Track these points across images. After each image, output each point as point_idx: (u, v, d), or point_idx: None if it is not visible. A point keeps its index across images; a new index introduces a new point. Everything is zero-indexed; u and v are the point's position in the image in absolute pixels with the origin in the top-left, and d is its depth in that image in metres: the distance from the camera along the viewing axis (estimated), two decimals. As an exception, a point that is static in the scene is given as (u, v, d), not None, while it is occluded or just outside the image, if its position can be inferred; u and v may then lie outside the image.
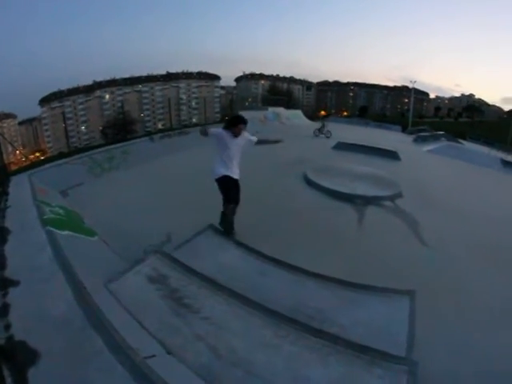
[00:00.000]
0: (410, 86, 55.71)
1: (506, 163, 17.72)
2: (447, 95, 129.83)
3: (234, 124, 4.97)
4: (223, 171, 4.97)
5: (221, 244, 4.80)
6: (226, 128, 4.97)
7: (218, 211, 5.29)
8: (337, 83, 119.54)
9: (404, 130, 28.91)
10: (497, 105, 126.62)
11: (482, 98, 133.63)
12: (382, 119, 48.28)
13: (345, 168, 9.88)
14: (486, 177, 13.69)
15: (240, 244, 4.75)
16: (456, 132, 36.00)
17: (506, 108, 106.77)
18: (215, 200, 5.25)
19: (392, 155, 12.87)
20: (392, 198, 7.84)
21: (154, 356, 2.38)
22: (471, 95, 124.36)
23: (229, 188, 5.04)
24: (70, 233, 4.44)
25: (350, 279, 4.00)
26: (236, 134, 4.96)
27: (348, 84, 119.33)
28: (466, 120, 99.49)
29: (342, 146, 13.63)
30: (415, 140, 19.32)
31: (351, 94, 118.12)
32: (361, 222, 6.58)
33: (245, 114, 19.62)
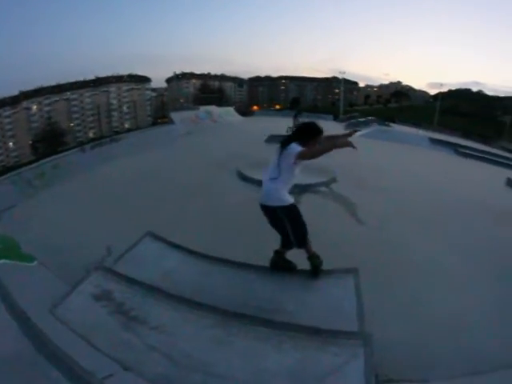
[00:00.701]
0: (340, 76, 57.76)
1: (433, 140, 19.19)
2: (376, 83, 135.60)
3: (315, 135, 3.71)
4: (290, 198, 3.65)
5: (161, 250, 4.63)
6: (300, 141, 3.60)
7: (157, 216, 5.18)
8: (268, 78, 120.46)
9: (336, 118, 29.87)
10: (423, 89, 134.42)
11: (410, 84, 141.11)
12: (314, 110, 49.68)
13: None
14: (416, 154, 14.90)
15: (180, 248, 4.62)
16: (386, 117, 37.99)
17: (432, 92, 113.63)
18: (152, 205, 5.14)
19: None
20: (327, 184, 8.15)
21: (111, 375, 2.31)
22: (399, 82, 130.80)
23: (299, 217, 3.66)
24: (7, 261, 4.23)
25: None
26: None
27: (279, 78, 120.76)
28: (394, 105, 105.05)
29: (274, 139, 13.66)
30: (347, 126, 20.00)
31: (283, 88, 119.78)
32: None
33: (176, 114, 19.56)
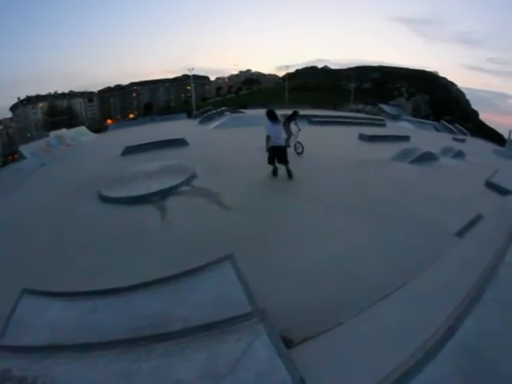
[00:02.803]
0: (190, 73, 57.84)
1: (283, 116, 20.60)
2: (226, 75, 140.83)
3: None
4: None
5: (42, 305, 4.06)
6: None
7: (27, 268, 5.02)
8: (119, 87, 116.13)
9: (190, 115, 29.91)
10: (273, 73, 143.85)
11: (259, 70, 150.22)
12: (168, 111, 49.31)
13: (137, 171, 9.52)
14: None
15: (60, 294, 4.15)
16: (238, 104, 39.60)
17: (281, 74, 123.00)
18: (18, 256, 4.40)
19: (180, 143, 13.25)
20: (188, 182, 8.03)
21: None
22: (248, 70, 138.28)
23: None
24: None
25: (177, 271, 3.94)
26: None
27: (130, 85, 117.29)
28: (246, 92, 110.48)
29: (130, 150, 13.12)
30: (201, 121, 20.22)
31: (134, 95, 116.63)
32: (164, 216, 6.55)
33: (26, 147, 17.12)
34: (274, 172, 8.67)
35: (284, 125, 10.89)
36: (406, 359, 2.27)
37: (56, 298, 4.18)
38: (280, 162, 8.51)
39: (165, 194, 7.53)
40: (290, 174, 8.41)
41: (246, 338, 2.58)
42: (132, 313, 3.58)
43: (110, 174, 9.86)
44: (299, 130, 11.87)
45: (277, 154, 8.39)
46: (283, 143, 8.57)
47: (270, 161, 8.52)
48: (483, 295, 2.97)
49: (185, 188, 7.79)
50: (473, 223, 7.14)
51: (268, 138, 8.39)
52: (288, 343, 3.02)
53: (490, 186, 11.78)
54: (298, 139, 11.73)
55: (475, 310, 2.71)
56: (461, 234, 6.53)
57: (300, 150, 11.60)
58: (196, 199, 7.21)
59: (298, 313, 3.65)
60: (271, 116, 8.38)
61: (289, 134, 11.53)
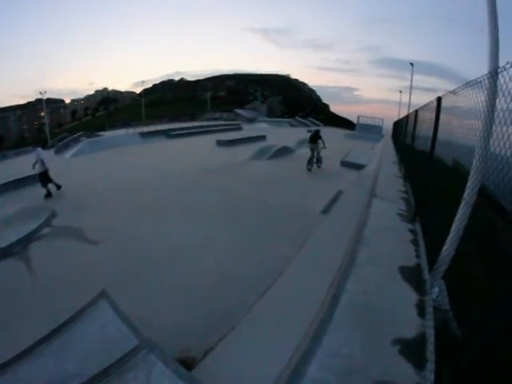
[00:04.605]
0: (43, 97, 51.53)
1: (143, 134, 20.38)
2: (82, 96, 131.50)
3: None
4: None
5: None
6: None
7: None
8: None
9: (45, 146, 27.19)
10: (129, 90, 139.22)
11: (116, 88, 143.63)
12: (22, 143, 43.52)
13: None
14: (129, 152, 15.83)
15: None
16: (96, 127, 37.44)
17: (138, 91, 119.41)
18: None
19: (35, 179, 11.92)
20: (48, 223, 7.44)
21: None
22: (105, 89, 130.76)
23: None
24: None
25: (58, 322, 3.68)
26: None
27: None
28: (103, 113, 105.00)
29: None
30: (57, 151, 18.66)
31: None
32: (30, 268, 5.85)
33: None
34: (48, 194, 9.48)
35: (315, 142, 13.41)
36: (303, 338, 2.49)
37: None
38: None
39: (25, 241, 6.68)
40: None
41: (142, 372, 2.57)
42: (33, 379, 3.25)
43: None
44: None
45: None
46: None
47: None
48: (357, 257, 3.56)
49: (46, 230, 7.19)
50: (335, 199, 8.28)
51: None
52: (190, 362, 3.11)
53: (345, 164, 13.66)
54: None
55: (352, 274, 3.24)
56: (326, 211, 7.54)
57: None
58: (60, 240, 6.68)
59: (191, 329, 3.76)
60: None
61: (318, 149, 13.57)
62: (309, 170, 13.27)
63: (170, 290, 4.62)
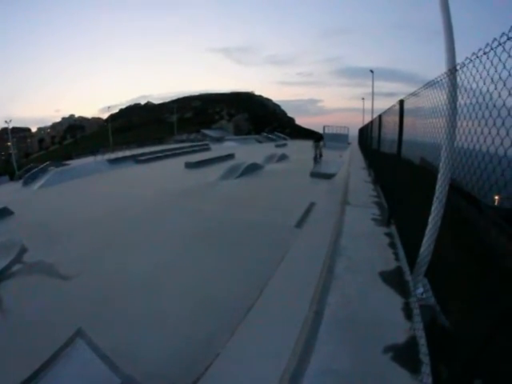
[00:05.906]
0: (8, 126, 48.90)
1: (111, 161, 20.14)
2: (49, 123, 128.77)
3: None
4: None
5: None
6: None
7: None
8: None
9: (12, 178, 26.30)
10: (96, 116, 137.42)
11: (82, 114, 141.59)
12: None
13: None
14: (98, 180, 15.64)
15: None
16: (64, 156, 36.62)
17: (105, 116, 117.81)
18: None
19: (2, 213, 11.41)
20: (19, 259, 7.08)
21: None
22: (72, 116, 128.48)
23: None
24: None
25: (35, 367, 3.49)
26: None
27: None
28: (70, 141, 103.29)
29: None
30: (24, 183, 18.05)
31: None
32: (1, 309, 5.54)
33: None
34: None
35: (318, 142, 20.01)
36: (289, 359, 2.41)
37: None
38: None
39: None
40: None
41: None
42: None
43: None
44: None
45: None
46: None
47: None
48: (336, 268, 3.52)
49: (16, 267, 6.87)
50: (308, 211, 8.31)
51: None
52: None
53: (315, 175, 13.90)
54: None
55: (333, 286, 3.21)
56: (300, 224, 7.53)
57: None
58: (31, 277, 6.33)
59: (175, 360, 3.60)
60: None
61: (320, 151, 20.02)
62: (317, 162, 18.63)
63: (148, 322, 4.45)
